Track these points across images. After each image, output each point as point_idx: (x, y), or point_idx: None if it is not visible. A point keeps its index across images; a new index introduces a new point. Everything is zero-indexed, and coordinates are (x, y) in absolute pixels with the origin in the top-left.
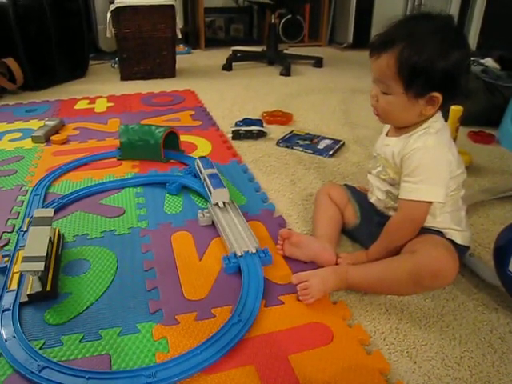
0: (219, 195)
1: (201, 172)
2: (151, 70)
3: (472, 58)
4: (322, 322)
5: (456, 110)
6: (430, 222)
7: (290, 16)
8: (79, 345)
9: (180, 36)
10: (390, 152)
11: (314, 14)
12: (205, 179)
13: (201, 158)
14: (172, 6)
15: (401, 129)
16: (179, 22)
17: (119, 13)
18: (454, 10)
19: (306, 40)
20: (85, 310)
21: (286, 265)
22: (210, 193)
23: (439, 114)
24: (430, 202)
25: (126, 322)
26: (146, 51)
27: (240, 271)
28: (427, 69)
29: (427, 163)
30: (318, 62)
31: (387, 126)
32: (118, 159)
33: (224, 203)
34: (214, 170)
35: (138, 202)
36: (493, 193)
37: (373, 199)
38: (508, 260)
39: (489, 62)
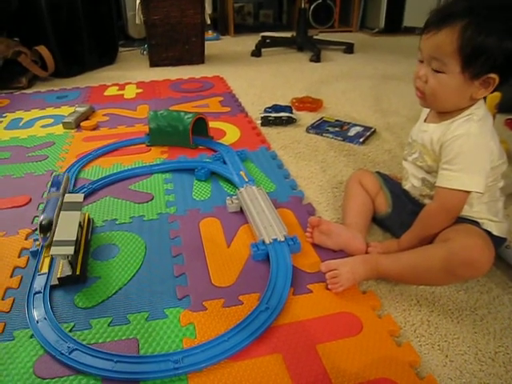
0: None
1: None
2: (180, 57)
3: None
4: (351, 311)
5: (493, 96)
6: (466, 212)
7: (320, 1)
8: (108, 328)
9: (209, 22)
10: (429, 138)
11: None
12: None
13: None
14: None
15: (441, 115)
16: (208, 8)
17: None
18: None
19: (336, 25)
20: (113, 294)
21: (314, 253)
22: None
23: (482, 102)
24: (469, 192)
25: (153, 307)
26: (175, 37)
27: (268, 259)
28: (492, 48)
29: (469, 151)
30: (349, 48)
31: (425, 112)
32: (147, 145)
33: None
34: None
35: (166, 187)
36: None
37: (407, 186)
38: None
39: None
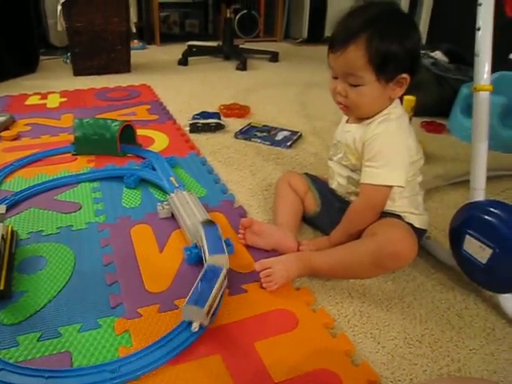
0: (215, 261)
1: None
2: (105, 65)
3: (422, 52)
4: (287, 308)
5: (409, 99)
6: (389, 206)
7: (245, 11)
8: (37, 344)
9: (134, 30)
10: (352, 138)
11: (269, 10)
12: (201, 238)
13: (207, 225)
14: None
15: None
16: (133, 16)
17: (70, 5)
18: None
19: (261, 35)
20: (42, 307)
21: (248, 254)
22: (204, 258)
23: (398, 101)
24: (391, 186)
25: (86, 317)
26: (100, 45)
27: (202, 261)
28: (398, 52)
29: (388, 148)
30: (274, 57)
31: None
32: (73, 154)
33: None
34: (210, 223)
35: (94, 196)
36: (446, 179)
37: (334, 185)
38: (463, 240)
39: (438, 55)
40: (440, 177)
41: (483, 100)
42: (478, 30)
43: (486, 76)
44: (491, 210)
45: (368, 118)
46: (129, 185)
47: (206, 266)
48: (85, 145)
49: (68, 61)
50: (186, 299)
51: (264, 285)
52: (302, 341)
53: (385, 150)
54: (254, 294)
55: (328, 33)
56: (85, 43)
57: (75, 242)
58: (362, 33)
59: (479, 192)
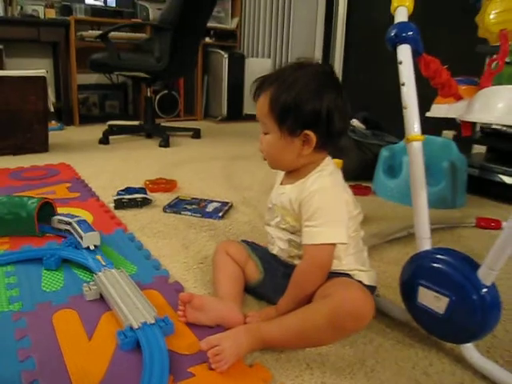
0: (90, 239)
1: (67, 222)
2: (21, 145)
3: None
4: None
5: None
6: (336, 266)
7: (165, 91)
8: None
9: (52, 109)
10: (287, 199)
11: (189, 90)
12: (74, 227)
13: (60, 214)
14: (43, 78)
15: (295, 175)
16: (51, 96)
17: None
18: None
19: (181, 115)
20: None
21: (190, 332)
22: (81, 238)
23: (329, 158)
24: (334, 244)
25: None
26: (15, 125)
27: (139, 346)
28: (296, 106)
29: (326, 205)
30: (196, 134)
31: (280, 176)
32: None
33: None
34: (81, 217)
35: (8, 282)
36: (381, 237)
37: (275, 250)
38: (416, 292)
39: (355, 122)
40: (375, 235)
41: (416, 150)
42: (403, 85)
43: (416, 126)
44: (440, 257)
45: (301, 177)
46: (49, 266)
47: (73, 221)
48: None
49: None
50: (81, 233)
51: (213, 365)
52: None
53: (322, 207)
54: (203, 377)
55: (247, 110)
56: None
57: None
58: (271, 84)
59: (425, 241)
